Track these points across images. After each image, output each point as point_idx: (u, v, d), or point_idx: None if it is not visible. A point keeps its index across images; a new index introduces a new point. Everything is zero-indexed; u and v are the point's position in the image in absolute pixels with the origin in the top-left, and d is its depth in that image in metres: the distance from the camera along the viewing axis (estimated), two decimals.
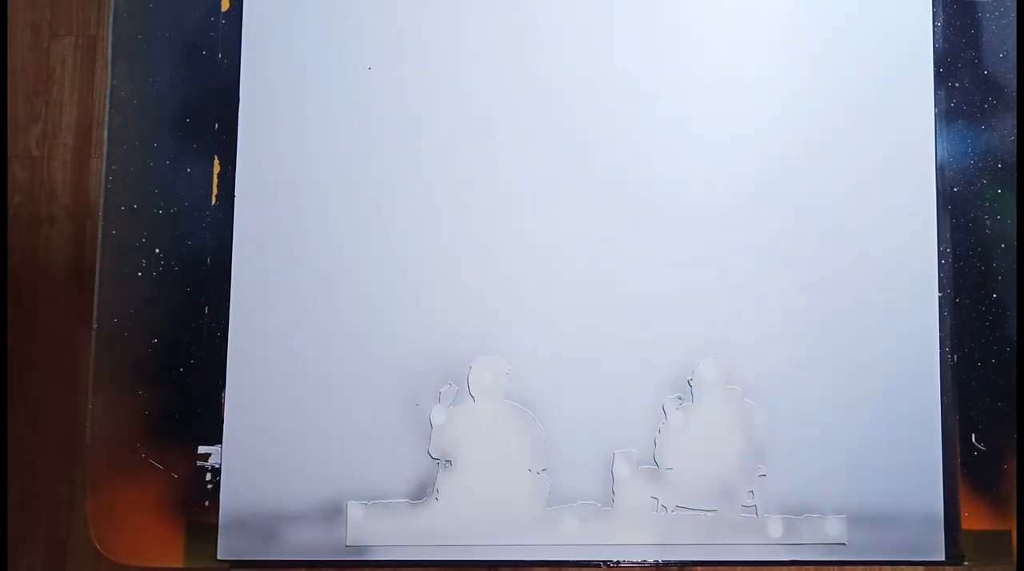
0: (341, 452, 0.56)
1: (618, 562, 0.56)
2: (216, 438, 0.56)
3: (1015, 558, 0.58)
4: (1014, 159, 0.61)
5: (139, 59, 0.59)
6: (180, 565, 0.55)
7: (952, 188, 0.61)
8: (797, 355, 0.58)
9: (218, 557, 0.55)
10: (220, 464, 0.56)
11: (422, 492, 0.56)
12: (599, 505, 0.57)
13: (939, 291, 0.60)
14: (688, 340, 0.58)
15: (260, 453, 0.56)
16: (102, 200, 0.58)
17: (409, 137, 0.59)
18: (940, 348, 0.59)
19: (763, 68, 0.60)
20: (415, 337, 0.57)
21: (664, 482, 0.57)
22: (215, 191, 0.58)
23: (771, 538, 0.57)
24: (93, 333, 0.57)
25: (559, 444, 0.57)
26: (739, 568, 0.57)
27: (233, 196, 0.58)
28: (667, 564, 0.57)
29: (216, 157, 0.58)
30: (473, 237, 0.58)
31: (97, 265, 0.57)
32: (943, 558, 0.58)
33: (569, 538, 0.56)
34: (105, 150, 0.58)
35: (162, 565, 0.55)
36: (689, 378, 0.58)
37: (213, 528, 0.55)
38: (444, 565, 0.56)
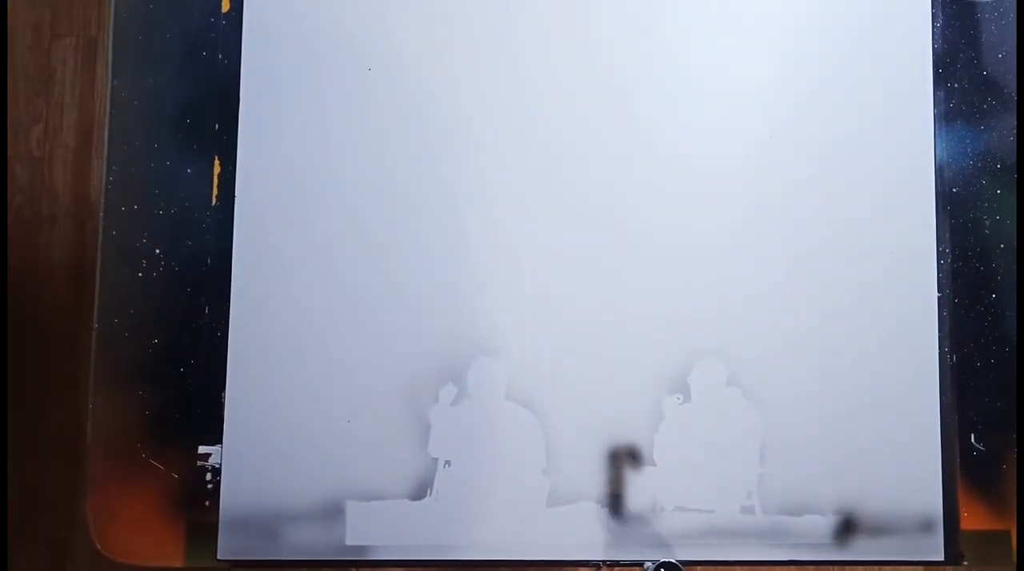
0: (341, 452, 0.56)
1: (617, 561, 0.57)
2: (216, 438, 0.56)
3: (1015, 558, 0.58)
4: (1013, 160, 0.61)
5: (140, 60, 0.59)
6: (180, 565, 0.55)
7: (951, 189, 0.61)
8: (796, 355, 0.58)
9: (218, 557, 0.55)
10: (220, 464, 0.56)
11: (422, 492, 0.56)
12: (598, 505, 0.57)
13: (938, 291, 0.60)
14: (687, 340, 0.58)
15: (260, 453, 0.56)
16: (103, 200, 0.58)
17: (409, 138, 0.59)
18: (939, 348, 0.59)
19: (762, 69, 0.60)
20: (415, 337, 0.57)
21: (663, 482, 0.57)
22: (215, 192, 0.58)
23: (769, 538, 0.57)
24: (93, 333, 0.57)
25: (558, 444, 0.57)
26: (737, 568, 0.57)
27: (233, 197, 0.58)
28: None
29: (216, 158, 0.58)
30: (473, 237, 0.58)
31: (98, 265, 0.57)
32: (942, 558, 0.58)
33: (568, 538, 0.56)
34: (106, 151, 0.58)
35: (162, 565, 0.56)
36: (688, 378, 0.58)
37: (213, 528, 0.55)
38: (443, 564, 0.57)
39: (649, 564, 0.54)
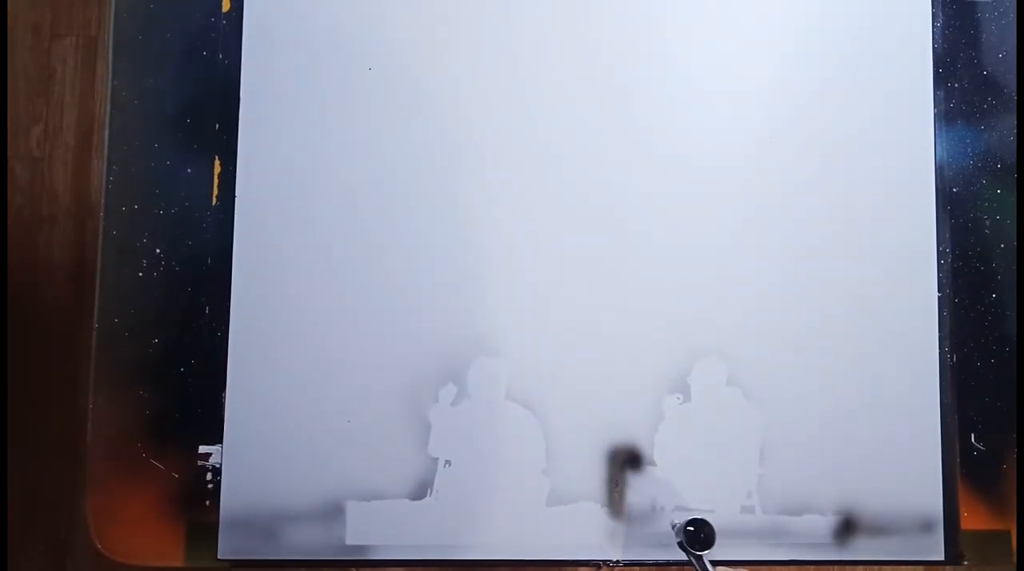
0: (341, 452, 0.56)
1: (617, 561, 0.57)
2: (216, 438, 0.56)
3: (1015, 558, 0.58)
4: (1014, 159, 0.61)
5: (140, 60, 0.59)
6: (180, 564, 0.55)
7: (952, 188, 0.61)
8: (796, 355, 0.58)
9: (218, 556, 0.55)
10: (220, 464, 0.56)
11: (422, 492, 0.56)
12: (598, 505, 0.57)
13: (939, 291, 0.60)
14: (687, 340, 0.58)
15: (260, 453, 0.56)
16: (103, 200, 0.58)
17: (409, 138, 0.59)
18: (939, 348, 0.59)
19: (762, 69, 0.60)
20: (415, 337, 0.57)
21: (663, 482, 0.57)
22: (215, 191, 0.58)
23: (769, 538, 0.57)
24: (94, 333, 0.57)
25: (558, 444, 0.57)
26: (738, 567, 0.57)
27: (233, 196, 0.58)
28: (666, 564, 0.57)
29: (217, 157, 0.58)
30: (473, 237, 0.58)
31: (98, 265, 0.57)
32: (943, 558, 0.58)
33: (568, 538, 0.56)
34: (106, 150, 0.58)
35: (162, 564, 0.56)
36: (688, 378, 0.58)
37: (213, 527, 0.55)
38: (443, 564, 0.57)
39: (677, 522, 0.53)
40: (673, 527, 0.54)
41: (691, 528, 0.52)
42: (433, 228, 0.58)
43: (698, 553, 0.51)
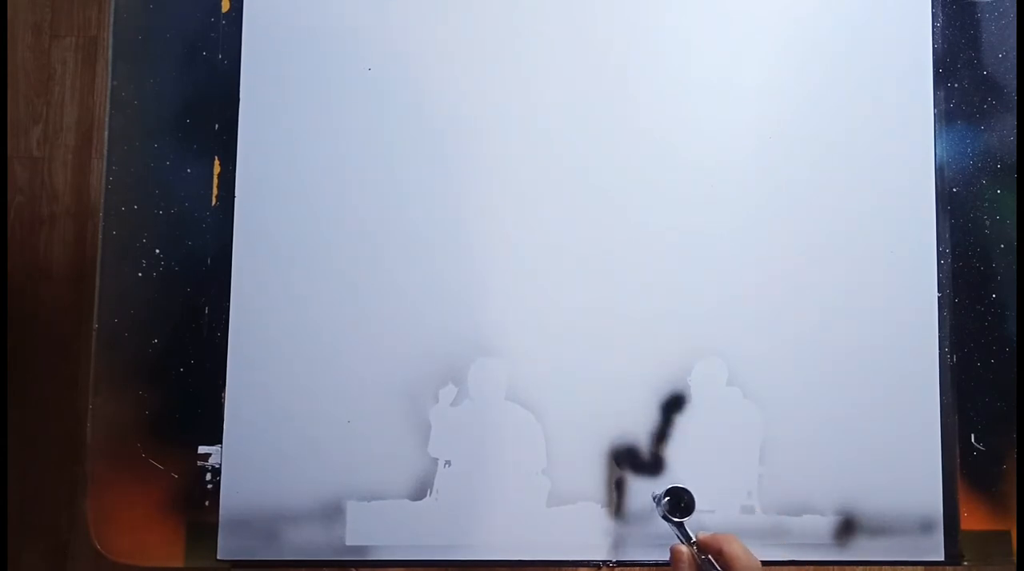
0: (341, 452, 0.56)
1: (616, 562, 0.57)
2: (216, 438, 0.56)
3: (1015, 558, 0.58)
4: (1013, 160, 0.61)
5: (140, 60, 0.59)
6: (180, 565, 0.55)
7: (951, 188, 0.61)
8: (796, 355, 0.58)
9: (218, 557, 0.55)
10: (220, 464, 0.56)
11: (422, 492, 0.56)
12: (598, 505, 0.57)
13: (938, 291, 0.60)
14: (687, 341, 0.58)
15: (260, 453, 0.56)
16: (103, 200, 0.58)
17: (409, 138, 0.59)
18: (939, 348, 0.59)
19: (763, 69, 0.60)
20: (415, 338, 0.57)
21: (663, 482, 0.57)
22: (215, 192, 0.58)
23: (770, 538, 0.57)
24: (94, 333, 0.57)
25: (558, 444, 0.57)
26: None
27: (233, 196, 0.58)
28: (665, 564, 0.57)
29: (216, 158, 0.58)
30: (473, 238, 0.58)
31: (98, 265, 0.57)
32: (942, 558, 0.58)
33: (568, 538, 0.56)
34: (106, 151, 0.58)
35: (162, 565, 0.56)
36: (688, 378, 0.58)
37: (213, 528, 0.55)
38: (443, 565, 0.57)
39: (657, 492, 0.55)
40: (654, 498, 0.55)
41: (669, 498, 0.54)
42: (433, 228, 0.58)
43: (678, 520, 0.53)
